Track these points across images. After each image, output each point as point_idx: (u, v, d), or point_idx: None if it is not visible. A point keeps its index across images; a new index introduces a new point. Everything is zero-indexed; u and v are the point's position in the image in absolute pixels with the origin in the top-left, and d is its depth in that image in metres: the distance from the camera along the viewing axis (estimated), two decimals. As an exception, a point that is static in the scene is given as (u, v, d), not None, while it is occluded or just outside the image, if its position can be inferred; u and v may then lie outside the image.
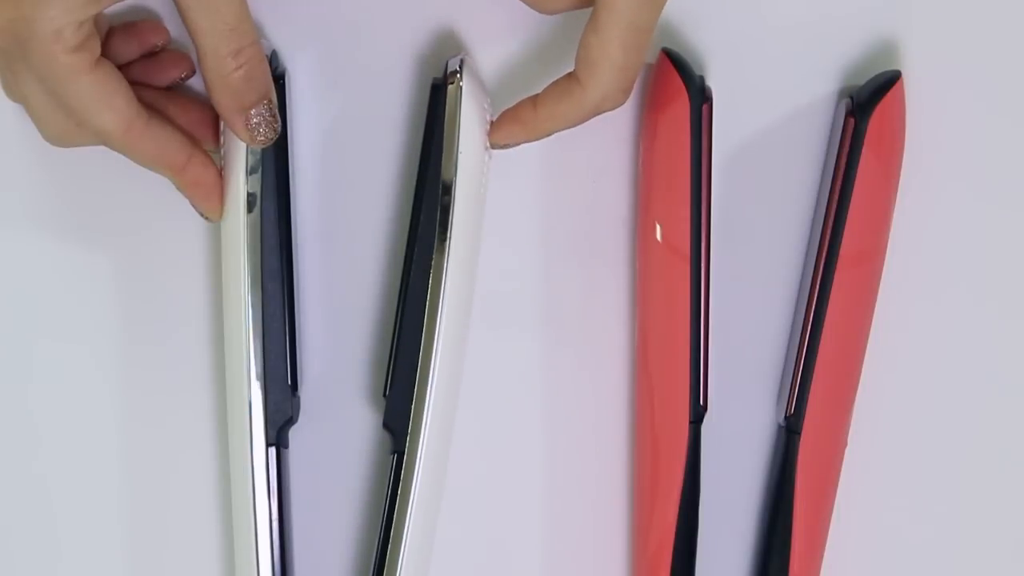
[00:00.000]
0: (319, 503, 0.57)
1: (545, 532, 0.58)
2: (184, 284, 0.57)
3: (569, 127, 0.53)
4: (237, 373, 0.54)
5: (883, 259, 0.55)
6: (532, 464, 0.58)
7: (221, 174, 0.54)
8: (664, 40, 0.57)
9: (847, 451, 0.56)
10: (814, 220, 0.57)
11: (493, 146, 0.55)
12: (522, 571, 0.58)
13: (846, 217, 0.54)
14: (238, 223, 0.53)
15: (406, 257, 0.55)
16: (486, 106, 0.55)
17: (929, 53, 0.57)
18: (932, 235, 0.57)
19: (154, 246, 0.58)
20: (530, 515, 0.58)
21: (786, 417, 0.55)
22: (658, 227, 0.54)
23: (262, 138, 0.52)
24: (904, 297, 0.57)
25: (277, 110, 0.52)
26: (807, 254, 0.57)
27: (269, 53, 0.55)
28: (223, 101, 0.51)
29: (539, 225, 0.58)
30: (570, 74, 0.51)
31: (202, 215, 0.55)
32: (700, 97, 0.53)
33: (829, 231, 0.54)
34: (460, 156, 0.54)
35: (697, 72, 0.55)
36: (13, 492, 0.58)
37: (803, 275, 0.57)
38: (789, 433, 0.55)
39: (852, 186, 0.53)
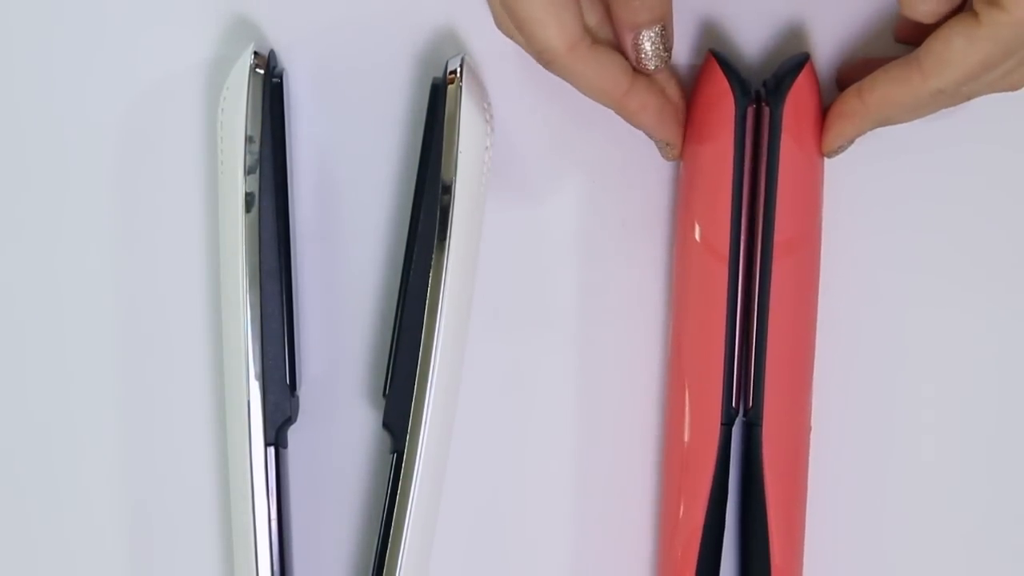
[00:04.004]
0: (318, 503, 0.57)
1: (550, 535, 0.58)
2: (183, 284, 0.57)
3: (898, 115, 0.52)
4: (236, 373, 0.54)
5: (819, 241, 0.55)
6: (557, 463, 0.58)
7: (673, 98, 0.53)
8: (709, 42, 0.57)
9: (812, 436, 0.55)
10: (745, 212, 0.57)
11: (828, 155, 0.54)
12: (544, 571, 0.58)
13: (775, 205, 0.53)
14: (236, 223, 0.53)
15: (406, 257, 0.55)
16: (486, 106, 0.55)
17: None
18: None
19: (153, 246, 0.58)
20: (552, 515, 0.58)
21: (746, 411, 0.55)
22: (697, 227, 0.54)
23: (647, 63, 0.51)
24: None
25: (671, 40, 0.51)
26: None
27: (267, 53, 0.55)
28: (616, 12, 0.50)
29: (557, 224, 0.58)
30: (907, 60, 0.50)
31: (662, 152, 0.54)
32: (746, 99, 0.53)
33: (761, 221, 0.54)
34: (460, 156, 0.54)
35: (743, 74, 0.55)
36: (12, 492, 0.58)
37: (742, 268, 0.57)
38: (751, 427, 0.55)
39: (776, 173, 0.53)
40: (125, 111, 0.58)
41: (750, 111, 0.54)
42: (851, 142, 0.54)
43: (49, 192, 0.58)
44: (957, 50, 0.49)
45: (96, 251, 0.58)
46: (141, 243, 0.58)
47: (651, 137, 0.54)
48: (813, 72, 0.54)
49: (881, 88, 0.51)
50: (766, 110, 0.54)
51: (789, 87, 0.53)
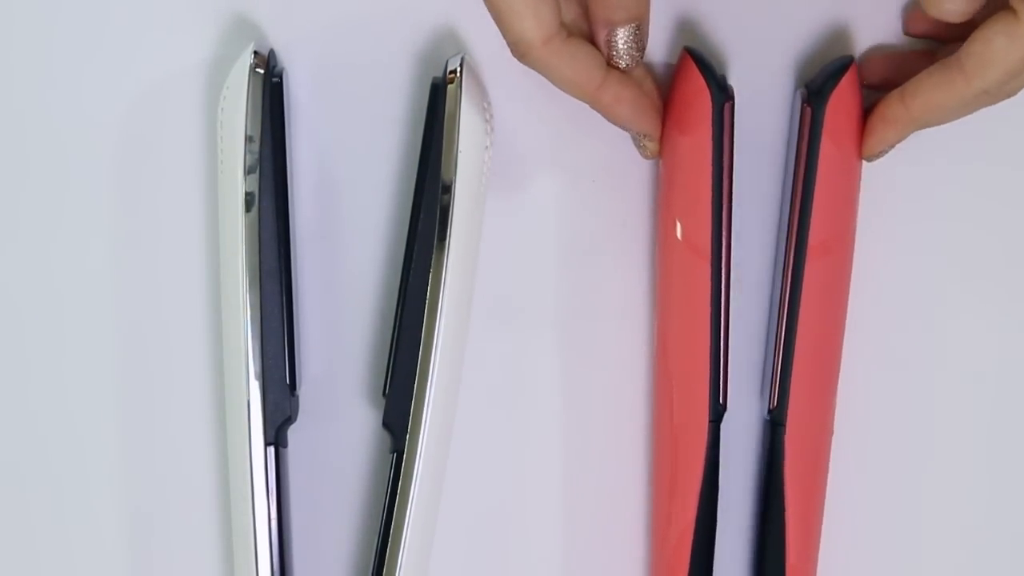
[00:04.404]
0: (318, 502, 0.57)
1: (554, 533, 0.58)
2: (183, 284, 0.57)
3: (942, 118, 0.52)
4: (236, 372, 0.54)
5: (852, 245, 0.55)
6: (543, 465, 0.58)
7: (649, 93, 0.54)
8: (685, 39, 0.57)
9: (834, 439, 0.55)
10: (781, 212, 0.57)
11: (868, 159, 0.54)
12: (538, 571, 0.58)
13: (811, 206, 0.53)
14: (236, 222, 0.53)
15: (406, 257, 0.55)
16: (486, 106, 0.55)
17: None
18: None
19: (153, 246, 0.58)
20: (539, 516, 0.58)
21: (770, 410, 0.55)
22: (678, 225, 0.54)
23: (618, 60, 0.51)
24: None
25: (645, 40, 0.51)
26: (777, 246, 0.57)
27: (267, 52, 0.55)
28: (592, 8, 0.51)
29: (542, 224, 0.58)
30: (947, 64, 0.50)
31: (640, 150, 0.54)
32: (723, 95, 0.53)
33: (796, 221, 0.54)
34: (460, 156, 0.54)
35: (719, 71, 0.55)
36: (12, 492, 0.58)
37: (775, 267, 0.57)
38: (774, 426, 0.55)
39: (814, 175, 0.53)
40: (125, 111, 0.58)
41: (727, 107, 0.54)
42: (892, 147, 0.54)
43: (49, 192, 0.58)
44: (999, 49, 0.49)
45: (96, 251, 0.58)
46: (141, 243, 0.58)
47: (628, 131, 0.55)
48: (856, 76, 0.54)
49: (925, 93, 0.51)
50: (808, 110, 0.54)
51: (832, 89, 0.53)
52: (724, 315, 0.54)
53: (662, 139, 0.55)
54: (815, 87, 0.54)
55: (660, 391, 0.56)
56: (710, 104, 0.53)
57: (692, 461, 0.54)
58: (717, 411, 0.54)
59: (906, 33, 0.57)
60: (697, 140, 0.53)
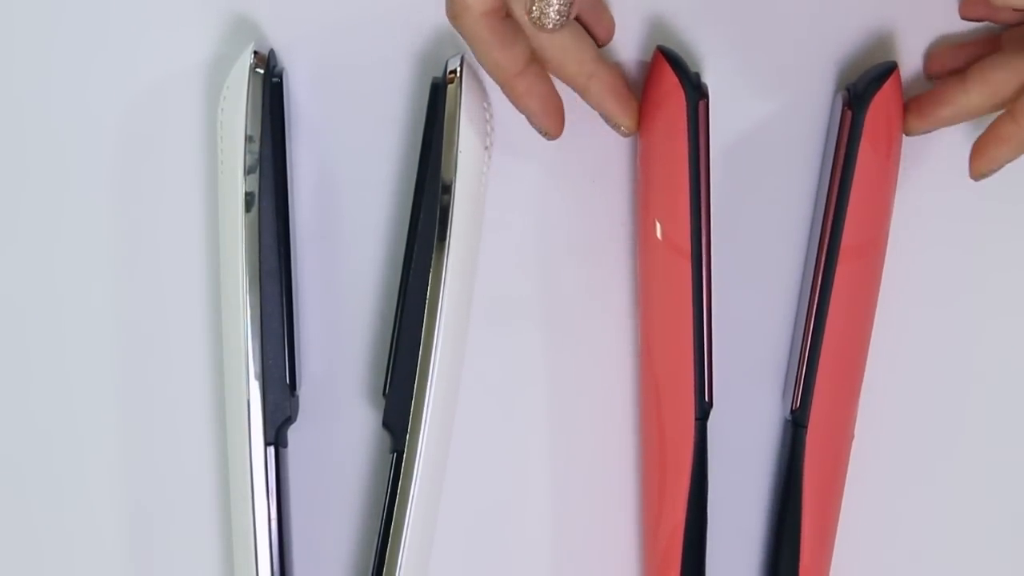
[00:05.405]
0: (318, 502, 0.57)
1: (551, 532, 0.58)
2: (183, 284, 0.57)
3: None
4: (236, 372, 0.54)
5: (884, 250, 0.55)
6: (538, 464, 0.58)
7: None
8: (658, 38, 0.57)
9: (854, 443, 0.56)
10: (814, 213, 0.57)
11: (978, 177, 0.54)
12: (536, 570, 0.58)
13: (846, 210, 0.53)
14: (236, 223, 0.53)
15: (406, 256, 0.55)
16: (486, 105, 0.55)
17: (925, 44, 0.57)
18: (932, 225, 0.57)
19: (153, 246, 0.58)
20: (536, 516, 0.58)
21: (792, 411, 0.55)
22: (658, 225, 0.54)
23: (538, 22, 0.49)
24: (907, 288, 0.57)
25: (571, 12, 0.49)
26: (808, 248, 0.57)
27: (267, 52, 0.55)
28: None
29: (542, 225, 0.58)
30: None
31: (542, 133, 0.54)
32: (696, 94, 0.53)
33: (829, 224, 0.54)
34: (460, 156, 0.54)
35: (693, 69, 0.55)
36: (14, 491, 0.58)
37: (805, 269, 0.57)
38: (796, 427, 0.55)
39: (851, 178, 0.53)
40: (125, 111, 0.58)
41: (701, 106, 0.54)
42: (1001, 166, 0.54)
43: (49, 192, 0.58)
44: None
45: (96, 250, 0.58)
46: (141, 243, 0.58)
47: (531, 123, 0.54)
48: (899, 82, 0.54)
49: None
50: (848, 114, 0.54)
51: (874, 94, 0.53)
52: (707, 313, 0.54)
53: (639, 139, 0.55)
54: (857, 91, 0.54)
55: (646, 390, 0.56)
56: (684, 103, 0.53)
57: (680, 459, 0.54)
58: (703, 408, 0.54)
59: (963, 18, 0.56)
60: (673, 139, 0.54)
